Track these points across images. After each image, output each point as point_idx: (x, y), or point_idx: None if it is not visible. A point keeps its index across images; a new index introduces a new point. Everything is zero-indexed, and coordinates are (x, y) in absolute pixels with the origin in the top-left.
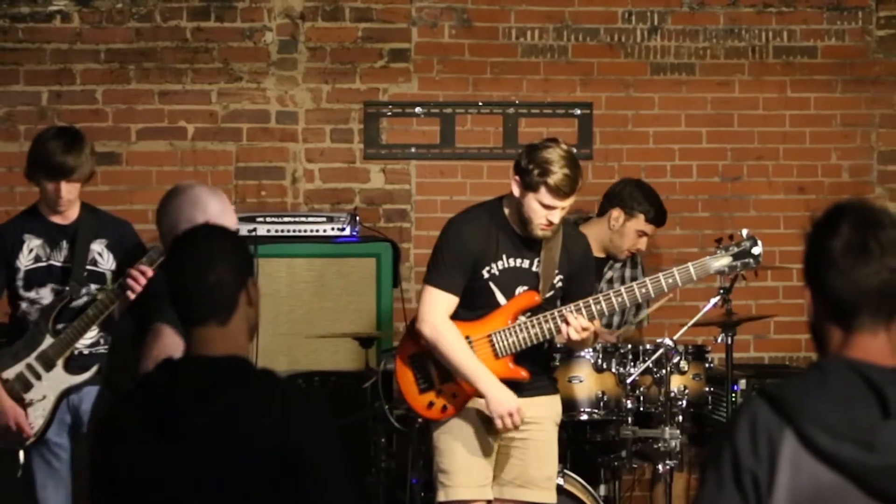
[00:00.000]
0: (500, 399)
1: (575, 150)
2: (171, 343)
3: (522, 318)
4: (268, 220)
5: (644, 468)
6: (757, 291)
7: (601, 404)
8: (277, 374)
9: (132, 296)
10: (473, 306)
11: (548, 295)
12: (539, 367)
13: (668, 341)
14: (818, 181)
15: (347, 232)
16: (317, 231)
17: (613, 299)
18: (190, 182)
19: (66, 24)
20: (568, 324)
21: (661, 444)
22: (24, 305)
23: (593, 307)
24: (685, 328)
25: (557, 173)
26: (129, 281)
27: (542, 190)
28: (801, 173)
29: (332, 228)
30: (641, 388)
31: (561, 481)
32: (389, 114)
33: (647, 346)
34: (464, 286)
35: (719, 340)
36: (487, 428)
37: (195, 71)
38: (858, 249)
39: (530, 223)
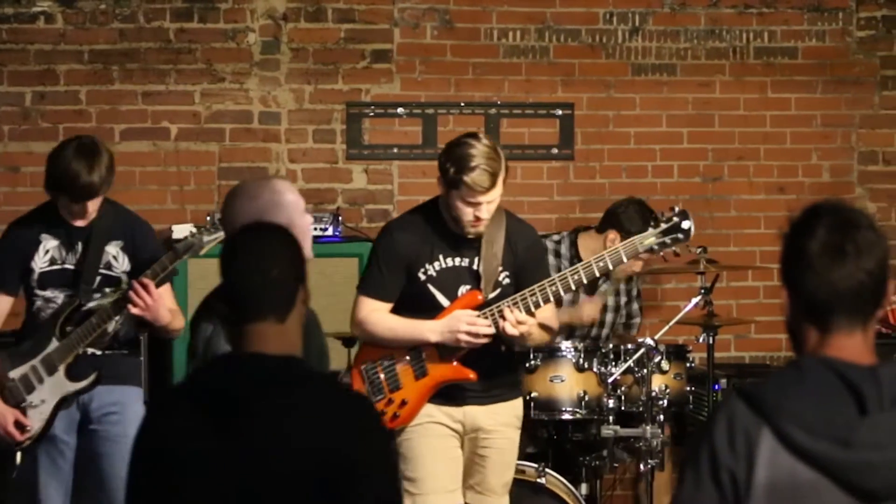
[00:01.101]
0: (447, 327)
1: (556, 151)
2: None
3: None
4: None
5: (625, 467)
6: (738, 291)
7: (582, 403)
8: (334, 377)
9: (133, 309)
10: (416, 310)
11: (494, 293)
12: (498, 372)
13: (649, 341)
14: (799, 181)
15: (330, 232)
16: None
17: (548, 289)
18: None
19: (49, 25)
20: (504, 318)
21: (643, 444)
22: (38, 303)
23: (529, 299)
24: (667, 328)
25: (475, 169)
26: (132, 294)
27: (462, 187)
28: (781, 173)
29: (315, 228)
30: (623, 388)
31: (542, 481)
32: (372, 114)
33: (629, 346)
34: (398, 291)
35: (700, 340)
36: (450, 434)
37: (178, 72)
38: (835, 251)
39: (459, 222)
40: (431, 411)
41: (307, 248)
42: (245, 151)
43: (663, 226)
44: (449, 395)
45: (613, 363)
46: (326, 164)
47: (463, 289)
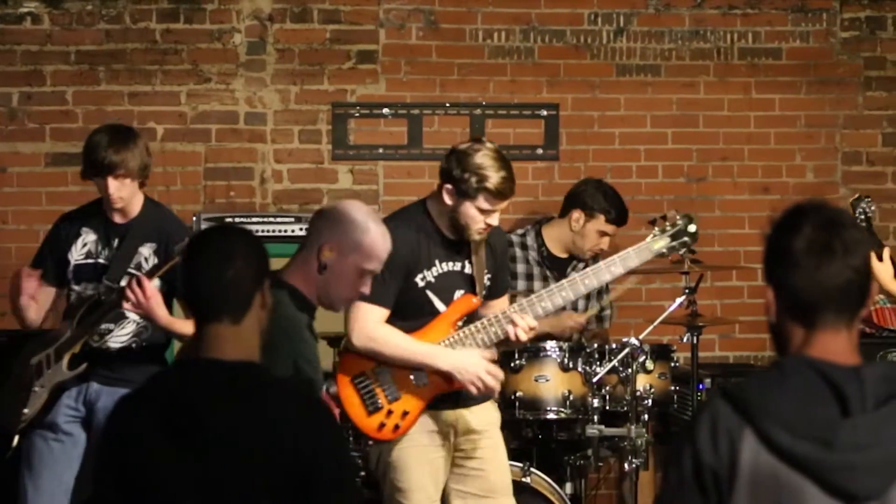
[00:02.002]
0: (465, 367)
1: (541, 151)
2: None
3: (466, 327)
4: (236, 220)
5: (610, 466)
6: (722, 291)
7: (567, 403)
8: (290, 381)
9: (126, 305)
10: (411, 316)
11: (483, 295)
12: None
13: (633, 340)
14: (783, 182)
15: None
16: (285, 231)
17: (558, 294)
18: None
19: (36, 26)
20: (515, 325)
21: (627, 443)
22: (72, 297)
23: (538, 305)
24: (651, 327)
25: (496, 177)
26: (127, 292)
27: (482, 196)
28: (765, 174)
29: (301, 229)
30: (607, 387)
31: (527, 480)
32: (357, 115)
33: (613, 346)
34: (396, 297)
35: (685, 340)
36: (439, 441)
37: (164, 72)
38: (822, 249)
39: (467, 229)
40: (423, 418)
41: (336, 297)
42: (231, 152)
43: (670, 229)
44: (441, 398)
45: (598, 363)
46: (312, 165)
47: (458, 293)
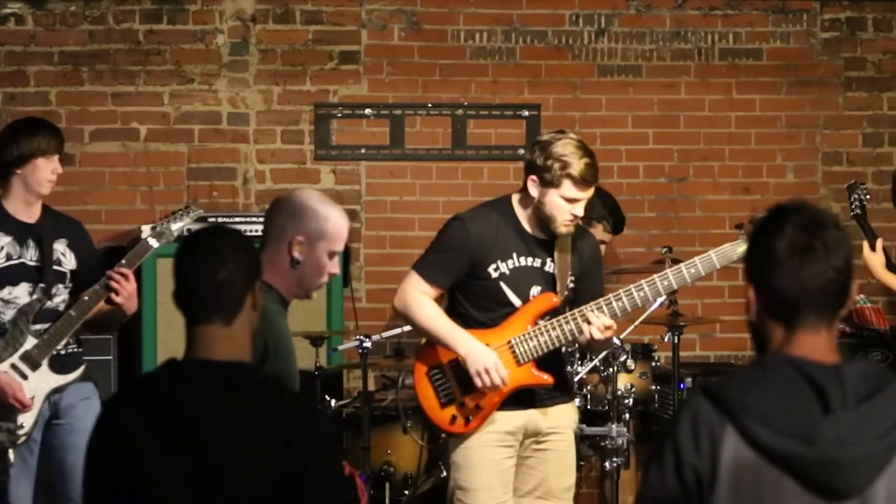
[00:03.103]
0: (477, 356)
1: (522, 151)
2: None
3: (542, 322)
4: (219, 220)
5: (591, 465)
6: (703, 291)
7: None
8: (280, 381)
9: (116, 298)
10: (485, 307)
11: (563, 296)
12: (556, 373)
13: (615, 340)
14: (763, 182)
15: None
16: None
17: (635, 294)
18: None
19: (19, 27)
20: (590, 323)
21: (609, 442)
22: (23, 304)
23: (615, 304)
24: (632, 327)
25: (579, 163)
26: (113, 283)
27: (566, 183)
28: (746, 174)
29: None
30: (589, 387)
31: None
32: (339, 115)
33: None
34: (452, 282)
35: (666, 339)
36: (507, 441)
37: (147, 73)
38: (804, 249)
39: (553, 221)
40: (492, 418)
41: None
42: (214, 152)
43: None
44: (514, 399)
45: (579, 362)
46: (294, 165)
47: (535, 290)
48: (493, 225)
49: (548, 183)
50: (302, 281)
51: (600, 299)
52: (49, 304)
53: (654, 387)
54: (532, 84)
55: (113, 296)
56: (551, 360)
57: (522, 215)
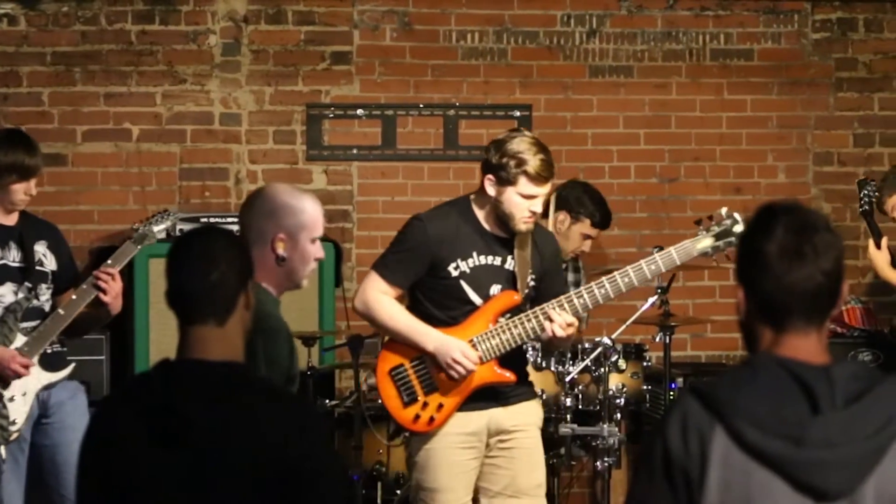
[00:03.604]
0: (445, 348)
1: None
2: None
3: (503, 320)
4: (212, 220)
5: (583, 465)
6: (694, 291)
7: (541, 402)
8: (274, 381)
9: (104, 297)
10: (446, 306)
11: (524, 294)
12: (518, 371)
13: (606, 340)
14: (754, 182)
15: None
16: None
17: (596, 291)
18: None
19: (12, 28)
20: (552, 321)
21: (600, 442)
22: (9, 303)
23: (576, 301)
24: (623, 327)
25: (534, 160)
26: (101, 283)
27: (522, 180)
28: (737, 174)
29: None
30: (580, 386)
31: None
32: (331, 115)
33: (586, 345)
34: (412, 282)
35: (657, 339)
36: (470, 442)
37: (140, 73)
38: (793, 253)
39: (512, 219)
40: (454, 418)
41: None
42: (206, 152)
43: (716, 229)
44: (476, 397)
45: (571, 362)
46: (286, 165)
47: (495, 288)
48: (452, 224)
49: (504, 181)
50: (291, 274)
51: (562, 297)
52: (35, 303)
53: (645, 387)
54: (523, 84)
55: (101, 295)
56: (513, 358)
57: (481, 214)
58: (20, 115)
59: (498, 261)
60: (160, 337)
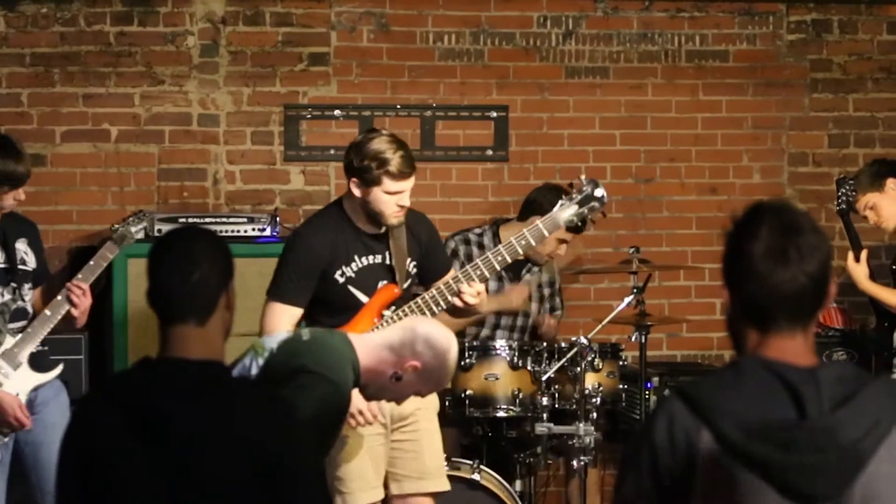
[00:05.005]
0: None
1: (490, 153)
2: None
3: (387, 313)
4: (190, 220)
5: (559, 464)
6: (670, 291)
7: (517, 401)
8: (253, 379)
9: (75, 312)
10: (336, 312)
11: (406, 284)
12: None
13: (582, 339)
14: (730, 182)
15: (268, 232)
16: (238, 231)
17: (493, 259)
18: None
19: None
20: (462, 293)
21: (576, 441)
22: None
23: (472, 273)
24: (599, 326)
25: (394, 158)
26: (72, 297)
27: (386, 179)
28: (713, 175)
29: (253, 229)
30: (556, 386)
31: (477, 477)
32: (309, 116)
33: (562, 345)
34: (310, 296)
35: (633, 339)
36: (375, 430)
37: (118, 74)
38: (777, 255)
39: (382, 216)
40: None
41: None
42: (184, 153)
43: (577, 196)
44: None
45: (547, 361)
46: (264, 166)
47: (381, 284)
48: (330, 232)
49: (369, 182)
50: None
51: (462, 271)
52: (19, 303)
53: (621, 386)
54: (500, 86)
55: (72, 309)
56: None
57: (355, 216)
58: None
59: (378, 258)
60: (138, 337)
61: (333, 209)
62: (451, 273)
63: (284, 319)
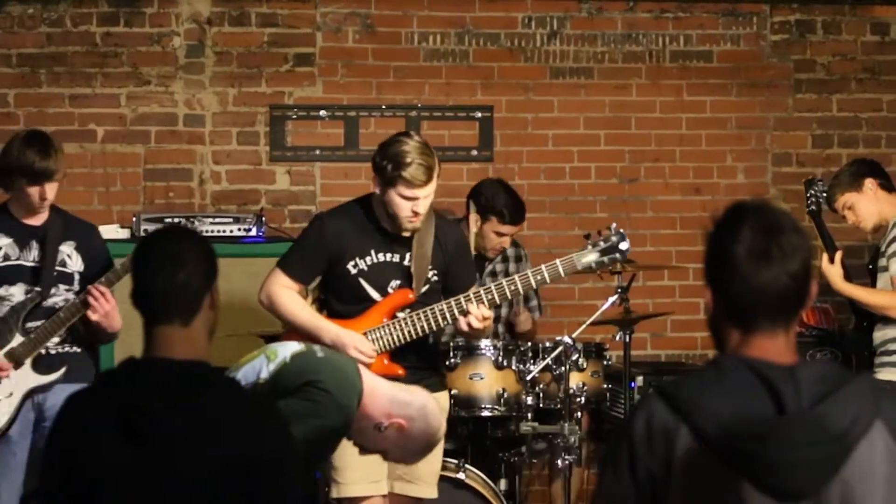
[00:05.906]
0: (340, 342)
1: (475, 153)
2: None
3: (400, 315)
4: (175, 221)
5: (544, 463)
6: (654, 290)
7: (501, 401)
8: (237, 379)
9: (93, 316)
10: (347, 301)
11: (423, 290)
12: (426, 364)
13: (567, 339)
14: (714, 182)
15: (253, 232)
16: (223, 231)
17: (506, 287)
18: None
19: None
20: (468, 314)
21: (560, 440)
22: (15, 302)
23: (484, 297)
24: (584, 326)
25: (411, 164)
26: (91, 300)
27: (400, 183)
28: (697, 175)
29: (239, 229)
30: (541, 385)
31: (462, 476)
32: (294, 117)
33: (547, 344)
34: (315, 277)
35: (617, 338)
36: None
37: (105, 75)
38: (760, 255)
39: (397, 218)
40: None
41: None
42: (170, 153)
43: (602, 244)
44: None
45: (532, 361)
46: (250, 166)
47: (394, 283)
48: (351, 221)
49: (386, 182)
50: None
51: (470, 292)
52: (47, 303)
53: (605, 385)
54: (485, 86)
55: (89, 312)
56: (421, 352)
57: (379, 212)
58: None
59: (396, 258)
60: (124, 336)
61: (364, 200)
62: (472, 290)
63: (281, 282)
